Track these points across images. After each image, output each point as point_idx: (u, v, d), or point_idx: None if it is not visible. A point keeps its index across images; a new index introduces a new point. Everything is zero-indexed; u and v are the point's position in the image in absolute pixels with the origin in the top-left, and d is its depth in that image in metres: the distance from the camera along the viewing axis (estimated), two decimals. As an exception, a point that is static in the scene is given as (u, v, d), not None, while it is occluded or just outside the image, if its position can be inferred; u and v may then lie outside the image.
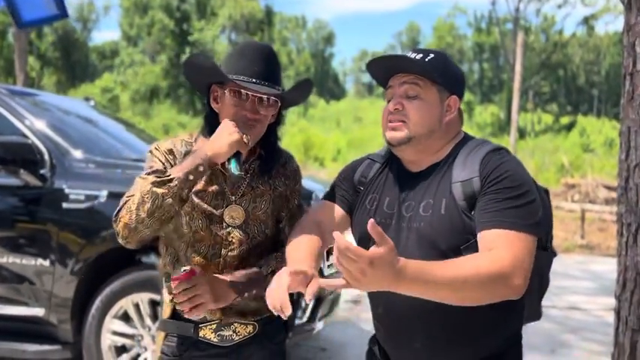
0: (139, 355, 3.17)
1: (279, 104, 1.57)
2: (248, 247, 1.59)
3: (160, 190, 1.41)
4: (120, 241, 1.51)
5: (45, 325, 3.18)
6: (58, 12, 2.68)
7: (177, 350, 1.61)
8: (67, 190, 3.17)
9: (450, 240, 1.37)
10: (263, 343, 1.64)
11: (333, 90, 57.38)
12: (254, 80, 1.50)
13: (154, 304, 3.17)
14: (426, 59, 1.44)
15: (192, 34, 41.95)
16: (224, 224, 1.57)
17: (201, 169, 1.44)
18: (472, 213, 1.37)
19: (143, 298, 3.14)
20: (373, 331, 1.63)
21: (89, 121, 4.25)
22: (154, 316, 3.17)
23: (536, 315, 1.61)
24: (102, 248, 3.17)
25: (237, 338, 1.60)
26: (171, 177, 1.42)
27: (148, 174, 1.48)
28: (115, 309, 3.14)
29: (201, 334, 1.59)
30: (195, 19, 42.90)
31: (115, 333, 3.17)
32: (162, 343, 1.64)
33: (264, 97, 1.51)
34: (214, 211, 1.56)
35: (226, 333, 1.59)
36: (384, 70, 1.49)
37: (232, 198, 1.56)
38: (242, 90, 1.50)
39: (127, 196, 1.47)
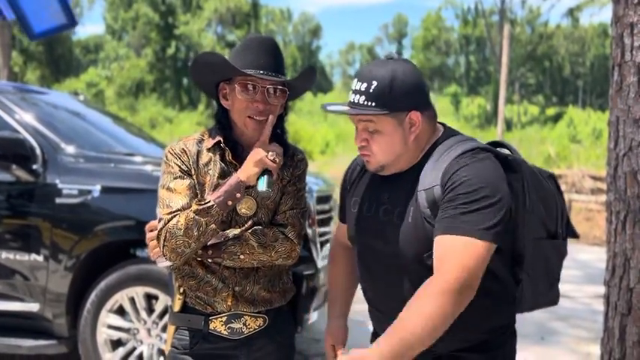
0: (134, 348, 3.18)
1: (287, 93, 1.62)
2: (248, 227, 1.63)
3: (203, 219, 1.50)
4: (165, 262, 1.60)
5: (40, 320, 3.18)
6: (67, 21, 2.69)
7: (187, 344, 1.63)
8: (60, 185, 3.16)
9: (416, 248, 1.41)
10: (273, 337, 1.66)
11: (320, 83, 57.26)
12: (261, 72, 1.54)
13: (149, 298, 3.19)
14: (370, 89, 1.42)
15: (178, 28, 41.59)
16: (236, 215, 1.61)
17: (238, 195, 1.53)
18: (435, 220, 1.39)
19: (138, 291, 3.15)
20: (367, 322, 1.70)
21: (79, 116, 4.23)
22: (150, 310, 3.18)
23: (550, 301, 1.63)
24: (96, 243, 3.18)
25: (247, 331, 1.62)
26: (211, 204, 1.50)
27: (170, 182, 1.58)
28: (111, 303, 3.15)
29: (211, 326, 1.61)
30: (180, 13, 42.52)
31: (111, 327, 3.18)
32: (173, 337, 1.65)
33: (272, 87, 1.56)
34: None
35: (236, 326, 1.62)
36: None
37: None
38: (251, 83, 1.55)
39: (164, 214, 1.54)
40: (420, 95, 1.47)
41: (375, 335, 1.64)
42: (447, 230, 1.33)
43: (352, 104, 1.45)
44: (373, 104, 1.41)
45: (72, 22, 2.74)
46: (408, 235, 1.43)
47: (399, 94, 1.42)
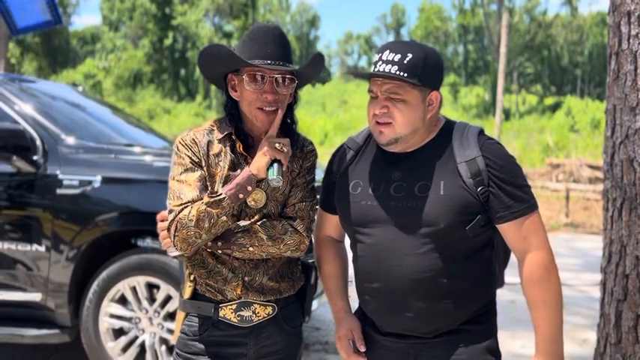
0: (136, 337, 3.21)
1: (296, 82, 1.62)
2: (257, 219, 1.64)
3: (215, 210, 1.52)
4: (175, 252, 1.61)
5: (42, 310, 3.20)
6: (52, 18, 2.68)
7: (197, 330, 1.64)
8: (60, 176, 3.18)
9: (450, 218, 1.49)
10: (281, 326, 1.68)
11: (318, 73, 56.77)
12: (269, 62, 1.54)
13: (151, 287, 3.21)
14: (405, 61, 1.48)
15: (175, 19, 41.35)
16: (246, 207, 1.61)
17: (249, 188, 1.54)
18: (478, 190, 1.49)
19: (140, 281, 3.17)
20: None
21: (79, 107, 4.24)
22: (151, 299, 3.21)
23: (502, 282, 1.74)
24: (97, 233, 3.19)
25: (256, 319, 1.64)
26: (223, 197, 1.52)
27: (181, 173, 1.59)
28: (112, 292, 3.17)
29: (221, 314, 1.63)
30: (177, 3, 42.26)
31: (113, 316, 3.20)
32: (183, 323, 1.67)
33: (280, 76, 1.56)
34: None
35: (246, 313, 1.63)
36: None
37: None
38: (259, 73, 1.55)
39: (175, 206, 1.55)
40: (441, 79, 1.58)
41: (362, 313, 1.67)
42: (523, 212, 1.50)
43: (383, 72, 1.50)
44: (405, 75, 1.48)
45: (57, 19, 2.74)
46: (440, 207, 1.49)
47: (430, 71, 1.52)
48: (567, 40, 49.64)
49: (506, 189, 1.50)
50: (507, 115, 31.73)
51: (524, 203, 1.50)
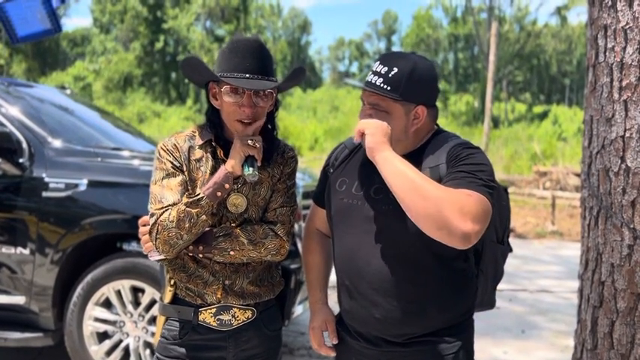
0: (121, 341, 3.22)
1: (275, 94, 1.65)
2: (238, 224, 1.67)
3: (194, 210, 1.55)
4: (157, 256, 1.64)
5: (26, 313, 3.20)
6: (52, 27, 2.71)
7: (177, 334, 1.66)
8: (46, 179, 3.18)
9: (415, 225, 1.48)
10: (261, 329, 1.71)
11: (309, 78, 56.97)
12: (247, 76, 1.56)
13: (136, 291, 3.22)
14: (390, 74, 1.53)
15: (167, 22, 41.25)
16: (227, 212, 1.64)
17: (226, 186, 1.57)
18: None
19: (124, 284, 3.18)
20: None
21: (66, 110, 4.24)
22: (136, 303, 3.22)
23: (490, 303, 1.75)
24: (82, 236, 3.20)
25: (235, 323, 1.67)
26: (201, 196, 1.55)
27: (163, 178, 1.61)
28: (97, 296, 3.18)
29: (200, 318, 1.65)
30: (169, 7, 42.18)
31: (97, 320, 3.21)
32: (163, 327, 1.69)
33: (260, 90, 1.58)
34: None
35: (225, 317, 1.66)
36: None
37: (234, 187, 1.63)
38: (237, 86, 1.57)
39: (156, 209, 1.58)
40: (431, 93, 1.61)
41: (340, 318, 1.71)
42: (459, 186, 1.42)
43: (369, 83, 1.55)
44: (388, 88, 1.52)
45: (57, 28, 2.76)
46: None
47: (414, 87, 1.54)
48: (556, 50, 50.12)
49: (455, 169, 1.47)
50: (496, 122, 31.95)
51: (469, 180, 1.43)
